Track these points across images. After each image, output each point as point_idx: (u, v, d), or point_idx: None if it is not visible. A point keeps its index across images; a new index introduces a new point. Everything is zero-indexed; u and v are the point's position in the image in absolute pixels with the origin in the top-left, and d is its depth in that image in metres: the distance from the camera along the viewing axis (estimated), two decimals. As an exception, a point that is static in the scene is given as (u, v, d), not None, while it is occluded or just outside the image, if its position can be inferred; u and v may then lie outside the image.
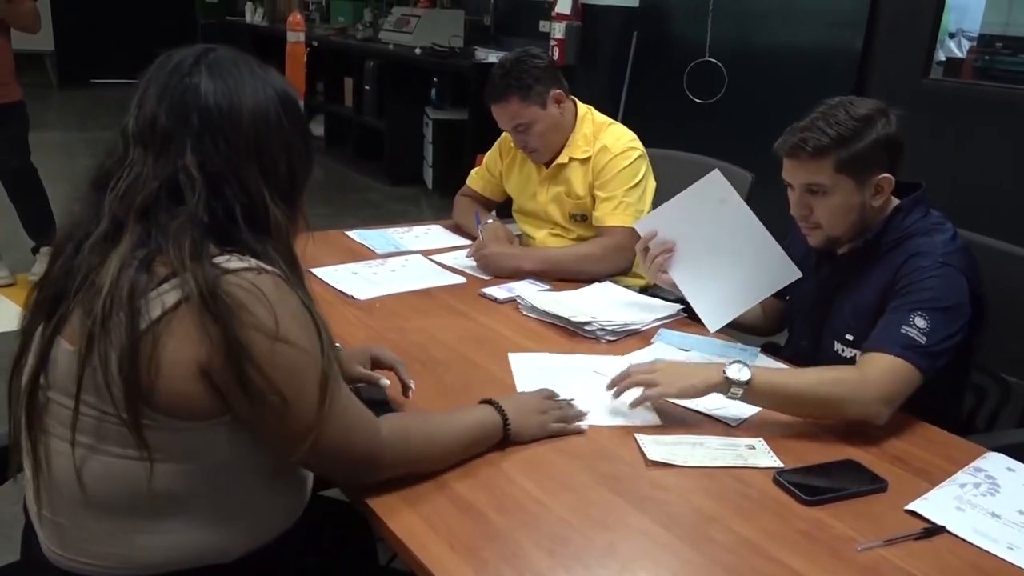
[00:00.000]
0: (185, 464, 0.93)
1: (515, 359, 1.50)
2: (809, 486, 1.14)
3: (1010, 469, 1.23)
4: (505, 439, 1.19)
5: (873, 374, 1.30)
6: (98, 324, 0.87)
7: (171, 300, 0.88)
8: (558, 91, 2.05)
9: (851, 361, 1.50)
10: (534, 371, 1.46)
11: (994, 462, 1.24)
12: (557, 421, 1.26)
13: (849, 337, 1.51)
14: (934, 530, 1.07)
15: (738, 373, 1.27)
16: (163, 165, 0.93)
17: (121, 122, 0.97)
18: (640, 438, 1.25)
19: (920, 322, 1.32)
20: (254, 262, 0.92)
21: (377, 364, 1.34)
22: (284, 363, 0.91)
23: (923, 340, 1.31)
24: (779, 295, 1.77)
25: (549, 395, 1.30)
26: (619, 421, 1.31)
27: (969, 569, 1.01)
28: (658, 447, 1.23)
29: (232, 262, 0.91)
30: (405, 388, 1.31)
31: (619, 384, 1.32)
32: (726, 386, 1.27)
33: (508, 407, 1.21)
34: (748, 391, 1.27)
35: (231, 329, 0.88)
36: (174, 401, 0.90)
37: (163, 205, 0.92)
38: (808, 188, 1.46)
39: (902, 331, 1.32)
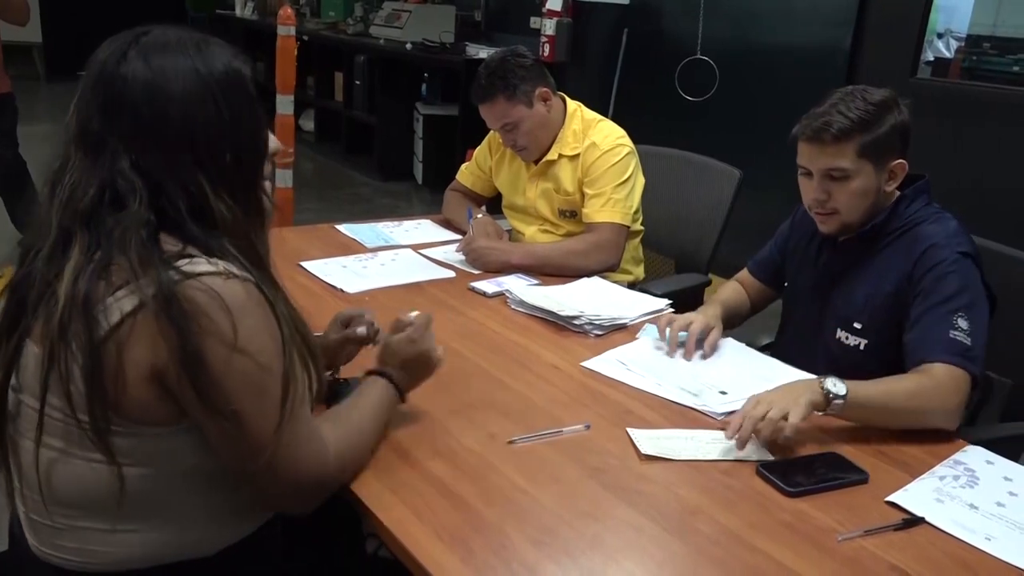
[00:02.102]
0: (153, 468, 0.92)
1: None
2: (792, 478, 1.16)
3: (989, 462, 1.25)
4: (402, 399, 1.20)
5: (948, 385, 1.31)
6: (55, 334, 0.86)
7: (128, 306, 0.86)
8: (544, 89, 2.06)
9: (855, 350, 1.52)
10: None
11: (973, 455, 1.26)
12: (433, 350, 1.22)
13: (857, 325, 1.52)
14: (913, 521, 1.09)
15: (835, 387, 1.25)
16: (100, 167, 0.89)
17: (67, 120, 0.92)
18: (633, 433, 1.26)
19: (963, 323, 1.35)
20: (222, 265, 0.89)
21: (348, 323, 1.32)
22: (241, 376, 0.89)
23: (969, 341, 1.34)
24: (771, 283, 1.78)
25: (418, 327, 1.22)
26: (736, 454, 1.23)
27: (947, 559, 1.03)
28: (651, 442, 1.24)
29: (198, 264, 0.88)
30: (372, 334, 1.29)
31: (742, 434, 1.21)
32: (825, 403, 1.25)
33: (396, 374, 1.18)
34: (844, 405, 1.25)
35: (186, 336, 0.85)
36: (137, 407, 0.88)
37: (106, 209, 0.88)
38: (828, 173, 1.46)
39: (951, 336, 1.34)
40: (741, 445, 1.21)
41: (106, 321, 0.86)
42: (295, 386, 0.94)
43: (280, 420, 0.92)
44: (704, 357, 1.55)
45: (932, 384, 1.31)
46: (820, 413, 1.27)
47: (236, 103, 0.94)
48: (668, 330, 1.56)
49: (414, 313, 1.26)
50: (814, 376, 1.32)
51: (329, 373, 1.29)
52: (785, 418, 1.21)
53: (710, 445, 1.25)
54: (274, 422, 0.92)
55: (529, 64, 2.05)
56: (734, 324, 1.76)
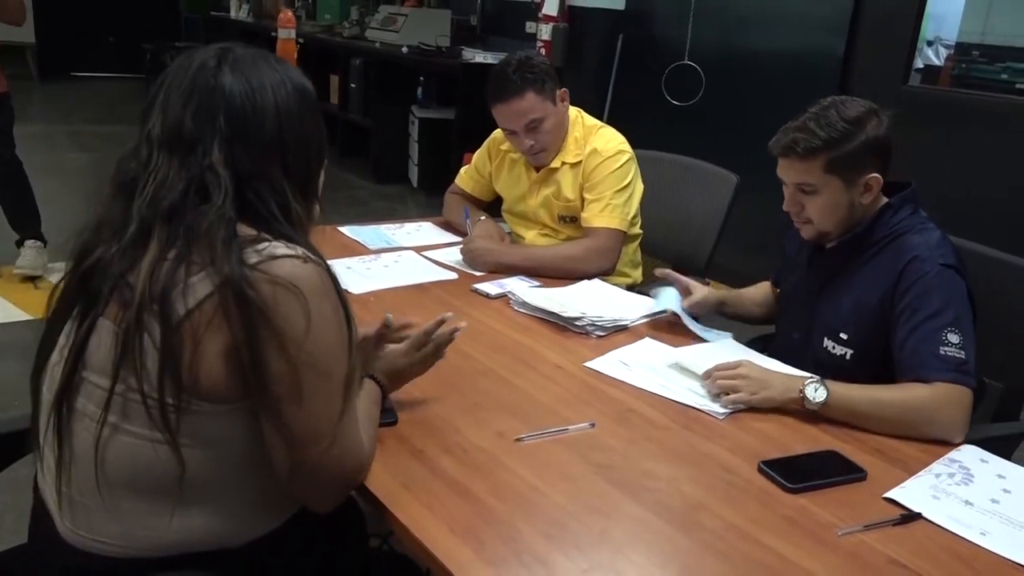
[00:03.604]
0: (210, 451, 0.95)
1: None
2: (792, 475, 1.19)
3: (983, 460, 1.28)
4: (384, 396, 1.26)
5: (950, 402, 1.34)
6: (133, 316, 0.90)
7: (204, 291, 0.90)
8: (564, 89, 2.10)
9: (842, 359, 1.54)
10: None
11: (968, 454, 1.29)
12: (422, 361, 1.30)
13: (843, 336, 1.54)
14: (911, 517, 1.13)
15: (815, 394, 1.34)
16: (188, 168, 0.95)
17: (146, 125, 0.98)
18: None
19: (953, 338, 1.38)
20: (300, 250, 0.94)
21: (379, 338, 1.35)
22: (309, 365, 0.93)
23: (962, 355, 1.36)
24: (774, 285, 1.81)
25: (415, 343, 1.30)
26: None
27: (944, 553, 1.06)
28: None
29: (277, 248, 0.93)
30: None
31: (709, 381, 1.42)
32: (801, 403, 1.35)
33: (383, 379, 1.25)
34: (824, 408, 1.35)
35: (258, 326, 0.90)
36: (208, 384, 0.92)
37: (190, 205, 0.94)
38: (799, 187, 1.52)
39: (942, 352, 1.36)
40: (714, 391, 1.41)
41: (183, 305, 0.90)
42: (356, 380, 0.99)
43: (343, 408, 0.97)
44: (690, 314, 1.70)
45: (930, 402, 1.33)
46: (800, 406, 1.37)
47: (313, 113, 1.04)
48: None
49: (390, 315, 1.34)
50: (814, 378, 1.37)
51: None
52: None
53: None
54: (336, 412, 0.96)
55: (549, 65, 2.09)
56: (750, 314, 1.84)
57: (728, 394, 1.39)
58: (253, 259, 0.92)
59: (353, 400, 1.01)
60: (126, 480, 0.96)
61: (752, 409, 1.39)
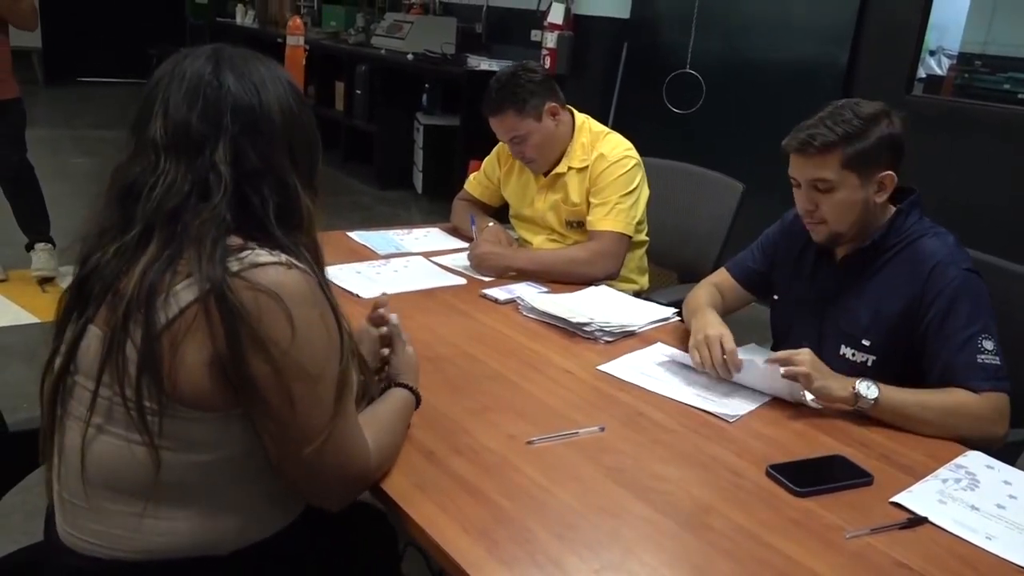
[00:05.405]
0: (196, 456, 0.95)
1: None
2: (800, 479, 1.20)
3: (989, 467, 1.29)
4: (418, 404, 1.26)
5: (994, 412, 1.38)
6: (118, 322, 0.90)
7: (187, 299, 0.90)
8: (553, 104, 2.10)
9: (862, 365, 1.55)
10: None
11: (974, 460, 1.31)
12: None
13: (866, 343, 1.54)
14: (917, 520, 1.14)
15: (867, 391, 1.37)
16: (195, 169, 0.94)
17: (147, 129, 0.97)
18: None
19: (988, 344, 1.41)
20: (284, 257, 0.94)
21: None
22: (296, 368, 0.93)
23: (997, 360, 1.40)
24: (754, 290, 1.79)
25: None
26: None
27: (950, 556, 1.08)
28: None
29: (260, 256, 0.93)
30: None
31: (789, 372, 1.40)
32: (854, 400, 1.38)
33: (413, 381, 1.26)
34: (873, 407, 1.37)
35: (240, 333, 0.90)
36: (193, 393, 0.92)
37: (190, 206, 0.93)
38: (814, 184, 1.50)
39: (980, 361, 1.40)
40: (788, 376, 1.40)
41: (165, 314, 0.90)
42: (350, 381, 0.98)
43: (334, 412, 0.97)
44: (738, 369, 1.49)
45: (977, 411, 1.37)
46: (848, 408, 1.40)
47: (307, 109, 1.05)
48: (705, 354, 1.49)
49: (394, 316, 1.33)
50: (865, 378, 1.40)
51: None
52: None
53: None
54: (328, 413, 0.96)
55: (539, 79, 2.09)
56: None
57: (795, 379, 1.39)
58: (235, 267, 0.91)
59: (348, 401, 1.00)
60: (106, 480, 0.96)
61: (759, 414, 1.41)
